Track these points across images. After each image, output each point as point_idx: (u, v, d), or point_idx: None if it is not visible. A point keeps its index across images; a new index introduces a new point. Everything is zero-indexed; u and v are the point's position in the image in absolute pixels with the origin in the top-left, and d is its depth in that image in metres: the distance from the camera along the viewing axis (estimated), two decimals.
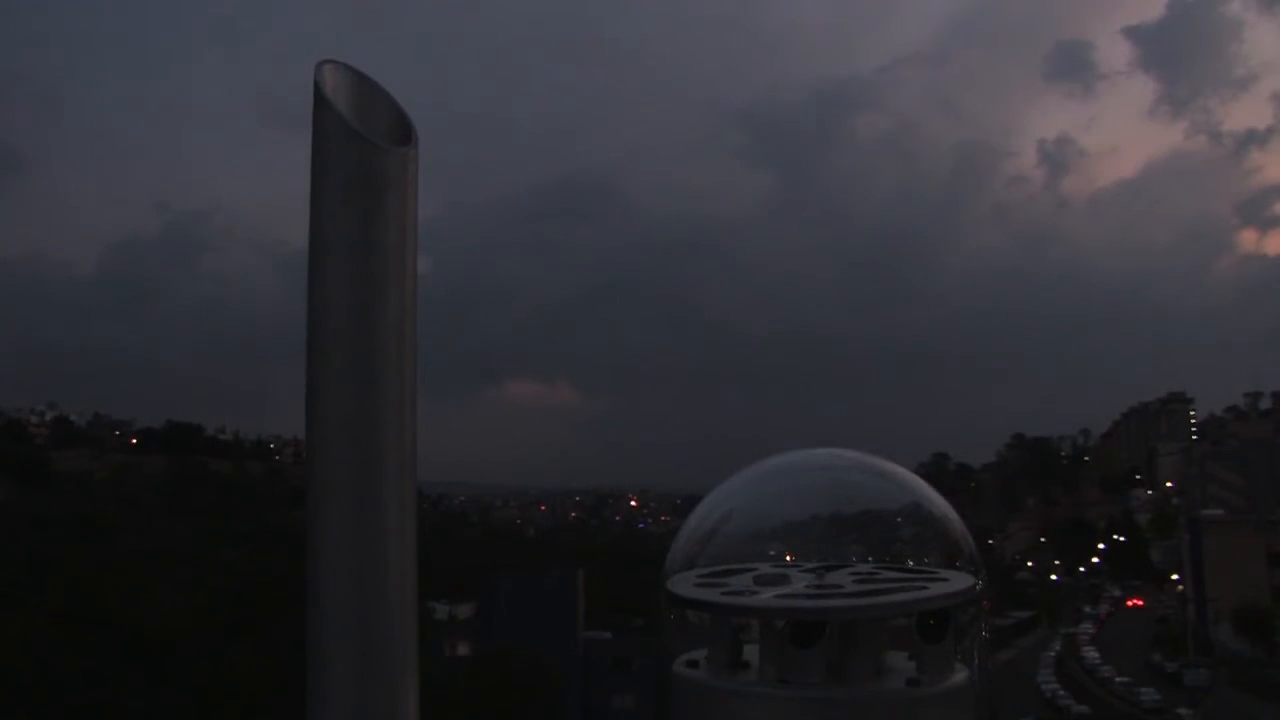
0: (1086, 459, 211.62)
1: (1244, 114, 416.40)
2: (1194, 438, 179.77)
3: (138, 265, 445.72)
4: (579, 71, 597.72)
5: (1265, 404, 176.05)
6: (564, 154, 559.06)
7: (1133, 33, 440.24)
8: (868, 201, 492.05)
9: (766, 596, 1.63)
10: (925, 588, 1.61)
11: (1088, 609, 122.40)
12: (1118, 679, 76.64)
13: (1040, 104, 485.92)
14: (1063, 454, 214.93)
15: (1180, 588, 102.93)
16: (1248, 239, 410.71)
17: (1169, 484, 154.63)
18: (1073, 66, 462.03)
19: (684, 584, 1.71)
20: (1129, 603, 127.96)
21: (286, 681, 30.55)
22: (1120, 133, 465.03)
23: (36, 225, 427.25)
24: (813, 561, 1.82)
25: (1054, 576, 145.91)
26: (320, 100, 1.35)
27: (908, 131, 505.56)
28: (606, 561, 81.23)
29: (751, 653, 1.65)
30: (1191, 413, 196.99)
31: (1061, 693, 73.98)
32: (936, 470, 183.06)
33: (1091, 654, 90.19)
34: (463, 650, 53.78)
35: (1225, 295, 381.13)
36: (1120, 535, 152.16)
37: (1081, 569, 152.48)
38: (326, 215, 1.39)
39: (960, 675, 1.57)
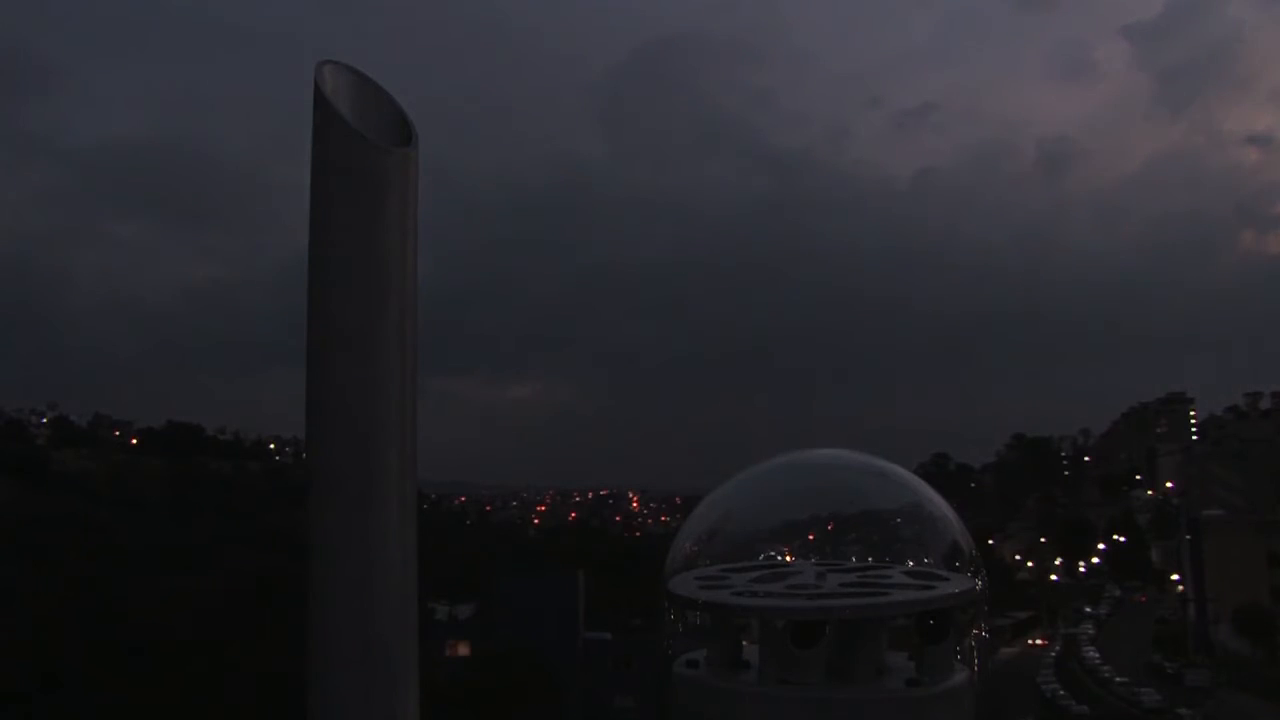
0: (1086, 459, 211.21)
1: (1244, 114, 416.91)
2: (1194, 438, 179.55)
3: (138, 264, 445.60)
4: (578, 68, 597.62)
5: (1265, 404, 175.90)
6: (565, 152, 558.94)
7: (1133, 32, 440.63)
8: (866, 200, 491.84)
9: (766, 596, 1.63)
10: (925, 588, 1.61)
11: (1088, 609, 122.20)
12: (1118, 679, 76.51)
13: (1041, 103, 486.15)
14: (1063, 454, 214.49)
15: (1180, 588, 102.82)
16: (1248, 239, 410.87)
17: (1169, 484, 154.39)
18: (1073, 66, 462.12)
19: (684, 584, 1.72)
20: (1132, 599, 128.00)
21: (287, 681, 30.52)
22: (1120, 132, 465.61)
23: (36, 222, 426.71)
24: (813, 562, 1.82)
25: (1054, 576, 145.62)
26: (320, 100, 1.35)
27: (909, 130, 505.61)
28: (606, 561, 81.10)
29: (751, 653, 1.66)
30: (1191, 413, 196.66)
31: (1061, 693, 73.86)
32: (936, 470, 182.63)
33: (1091, 654, 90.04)
34: (463, 650, 53.72)
35: (1225, 296, 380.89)
36: (1120, 535, 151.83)
37: (1081, 569, 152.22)
38: (326, 215, 1.39)
39: (960, 675, 1.57)
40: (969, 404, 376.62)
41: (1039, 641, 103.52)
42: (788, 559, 1.83)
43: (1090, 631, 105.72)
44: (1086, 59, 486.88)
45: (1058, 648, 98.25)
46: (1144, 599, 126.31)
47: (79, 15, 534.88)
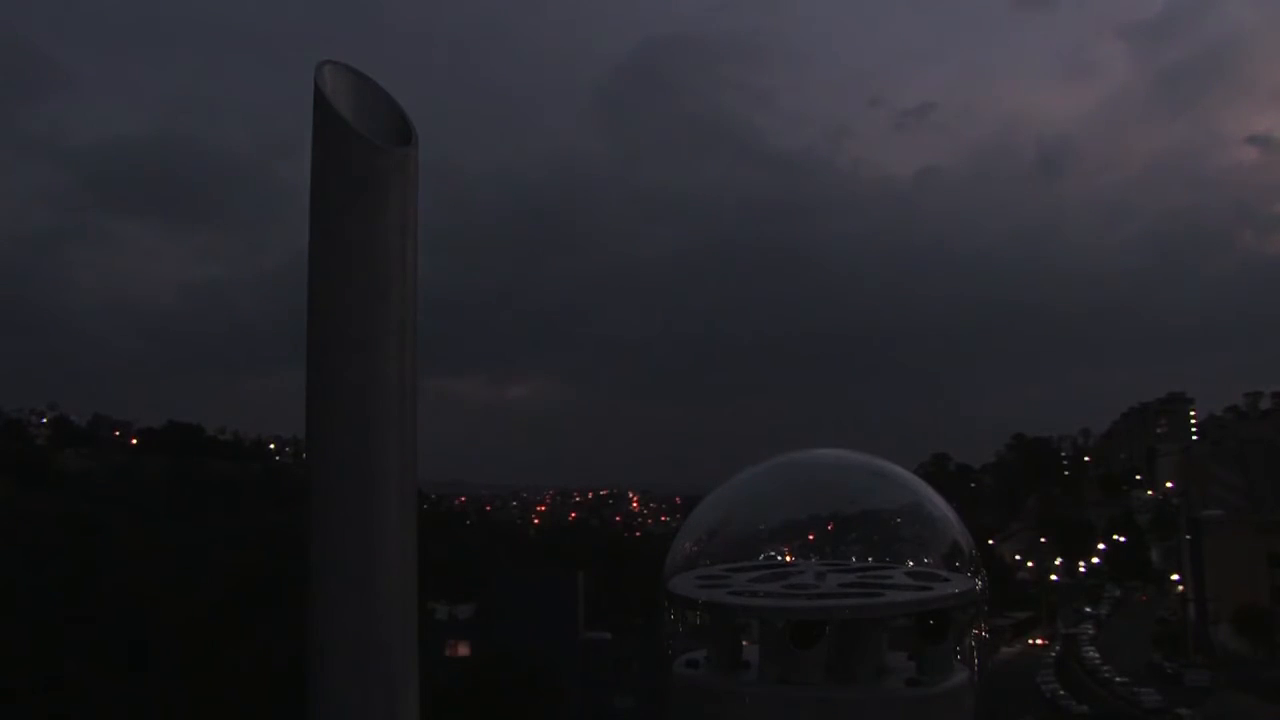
0: (1086, 459, 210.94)
1: (1244, 114, 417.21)
2: (1194, 438, 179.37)
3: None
4: (578, 68, 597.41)
5: (1265, 404, 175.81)
6: (565, 151, 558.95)
7: (1133, 32, 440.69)
8: (866, 200, 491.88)
9: (766, 596, 1.63)
10: (925, 588, 1.61)
11: (1088, 609, 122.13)
12: (1118, 679, 76.47)
13: (1041, 103, 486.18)
14: (1063, 454, 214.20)
15: (1180, 588, 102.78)
16: (1247, 239, 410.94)
17: (1169, 484, 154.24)
18: (1073, 66, 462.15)
19: (684, 584, 1.72)
20: (1136, 599, 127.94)
21: (286, 681, 30.52)
22: (1120, 132, 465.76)
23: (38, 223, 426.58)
24: (813, 562, 1.82)
25: (1054, 576, 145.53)
26: (320, 100, 1.35)
27: (909, 129, 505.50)
28: (606, 561, 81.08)
29: (751, 653, 1.66)
30: (1191, 413, 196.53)
31: (1061, 693, 73.85)
32: (936, 470, 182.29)
33: (1091, 654, 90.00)
34: (463, 650, 53.71)
35: (1225, 296, 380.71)
36: (1120, 535, 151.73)
37: (1081, 569, 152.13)
38: (326, 215, 1.39)
39: (960, 675, 1.57)
40: (969, 404, 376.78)
41: (1039, 641, 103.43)
42: (788, 559, 1.83)
43: (1090, 631, 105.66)
44: (1086, 59, 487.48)
45: (1058, 648, 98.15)
46: (1144, 598, 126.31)
47: (79, 15, 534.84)
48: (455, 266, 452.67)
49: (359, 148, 1.30)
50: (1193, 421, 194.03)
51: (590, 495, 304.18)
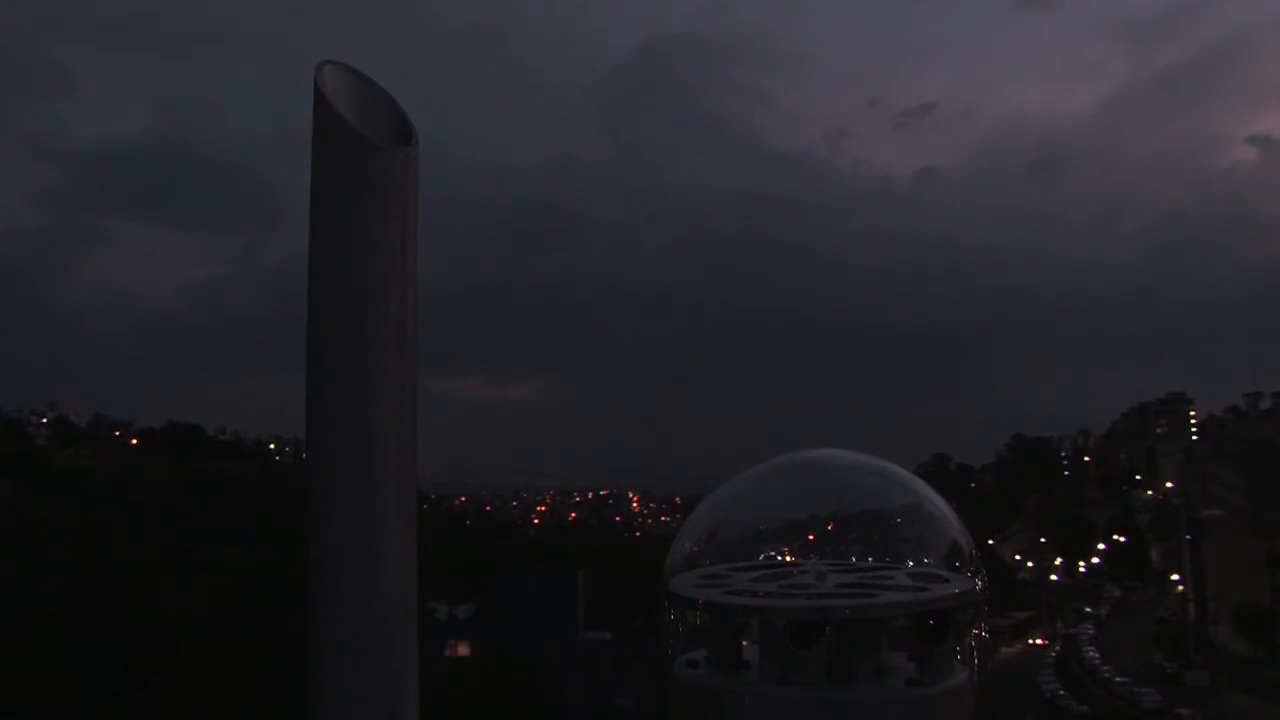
0: (1086, 459, 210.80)
1: (1244, 114, 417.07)
2: (1194, 438, 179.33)
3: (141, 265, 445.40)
4: (578, 68, 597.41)
5: (1265, 404, 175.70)
6: (565, 151, 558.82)
7: (1133, 32, 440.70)
8: (866, 200, 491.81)
9: (766, 596, 1.62)
10: (925, 588, 1.61)
11: (1088, 609, 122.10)
12: (1118, 679, 76.47)
13: (1041, 103, 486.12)
14: (1063, 454, 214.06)
15: (1180, 588, 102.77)
16: (1247, 239, 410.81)
17: (1169, 484, 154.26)
18: (1073, 66, 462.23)
19: (684, 584, 1.72)
20: (1141, 598, 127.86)
21: (286, 681, 30.51)
22: (1120, 132, 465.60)
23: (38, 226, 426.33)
24: (813, 561, 1.82)
25: (1054, 576, 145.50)
26: (320, 101, 1.34)
27: (909, 130, 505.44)
28: (606, 562, 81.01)
29: (751, 653, 1.66)
30: (1191, 413, 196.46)
31: (1061, 693, 73.84)
32: (936, 470, 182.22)
33: (1091, 654, 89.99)
34: (463, 650, 53.70)
35: (1225, 295, 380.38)
36: (1120, 535, 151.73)
37: (1081, 569, 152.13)
38: (326, 215, 1.39)
39: (960, 675, 1.57)
40: (969, 404, 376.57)
41: (1039, 641, 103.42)
42: (788, 559, 1.83)
43: (1090, 631, 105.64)
44: (1086, 59, 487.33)
45: (1058, 648, 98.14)
46: (1145, 598, 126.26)
47: (79, 15, 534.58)
48: (456, 266, 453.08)
49: (359, 148, 1.29)
50: (1193, 421, 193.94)
51: (590, 495, 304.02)
